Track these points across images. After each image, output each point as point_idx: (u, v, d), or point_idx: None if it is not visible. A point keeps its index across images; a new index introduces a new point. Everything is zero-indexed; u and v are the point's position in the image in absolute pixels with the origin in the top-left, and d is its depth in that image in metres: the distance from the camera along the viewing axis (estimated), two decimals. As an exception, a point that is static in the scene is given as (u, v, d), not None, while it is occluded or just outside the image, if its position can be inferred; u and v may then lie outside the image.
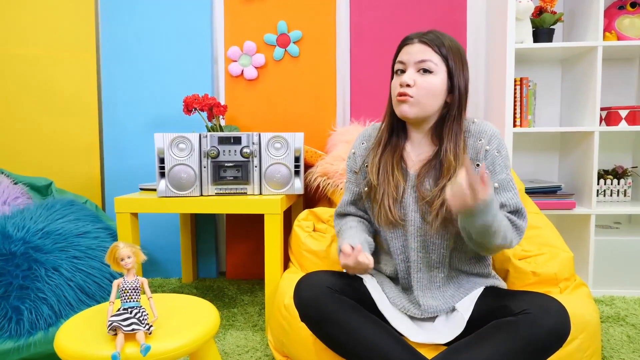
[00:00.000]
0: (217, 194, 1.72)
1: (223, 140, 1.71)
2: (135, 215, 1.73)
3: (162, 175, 1.68)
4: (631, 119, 2.05)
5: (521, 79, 2.10)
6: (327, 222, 1.70)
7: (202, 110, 2.04)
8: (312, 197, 2.07)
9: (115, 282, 0.95)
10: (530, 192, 2.05)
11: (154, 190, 1.80)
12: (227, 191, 1.73)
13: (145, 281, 0.97)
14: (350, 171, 1.37)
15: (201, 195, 1.72)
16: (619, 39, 2.05)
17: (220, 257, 2.46)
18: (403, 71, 1.20)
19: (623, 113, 2.06)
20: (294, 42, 2.29)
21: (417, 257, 1.24)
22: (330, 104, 2.31)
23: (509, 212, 1.18)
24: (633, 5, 2.10)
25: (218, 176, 1.72)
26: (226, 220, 2.37)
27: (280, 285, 1.55)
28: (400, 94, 1.18)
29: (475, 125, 1.23)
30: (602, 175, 2.27)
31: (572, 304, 1.29)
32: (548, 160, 2.39)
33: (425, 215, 1.21)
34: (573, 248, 2.11)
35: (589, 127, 2.02)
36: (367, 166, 1.30)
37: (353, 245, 1.16)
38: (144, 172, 2.32)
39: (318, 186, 1.88)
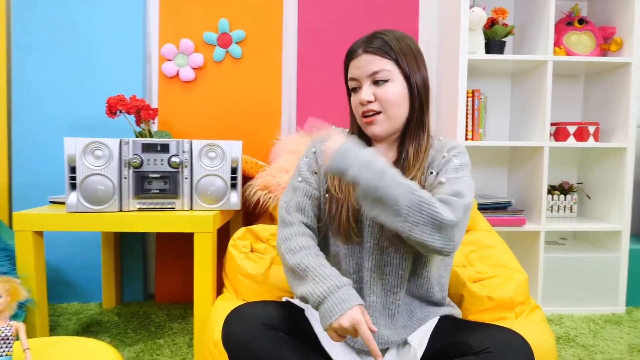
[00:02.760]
0: (140, 210, 1.50)
1: (148, 148, 1.50)
2: (39, 233, 1.47)
3: (73, 187, 1.44)
4: (579, 135, 2.03)
5: (473, 91, 2.03)
6: (267, 242, 1.52)
7: (129, 113, 1.81)
8: (251, 213, 1.89)
9: (-20, 330, 0.72)
10: (481, 208, 1.97)
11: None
12: (151, 206, 1.51)
13: (21, 327, 0.75)
14: (307, 170, 1.17)
15: (120, 210, 1.49)
16: (567, 54, 2.03)
17: (148, 278, 2.21)
18: (358, 87, 1.10)
19: (571, 129, 2.03)
20: (236, 43, 2.11)
21: (372, 278, 1.09)
22: (275, 111, 2.14)
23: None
24: (580, 22, 2.09)
25: (141, 189, 1.50)
26: (156, 236, 2.13)
27: (211, 315, 1.36)
28: (365, 113, 1.09)
29: (441, 142, 1.14)
30: (550, 191, 2.24)
31: (529, 331, 1.19)
32: (497, 175, 2.34)
33: (384, 229, 1.06)
34: (522, 265, 2.05)
35: (539, 142, 1.97)
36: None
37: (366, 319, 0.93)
38: (61, 182, 2.04)
39: (258, 201, 1.70)
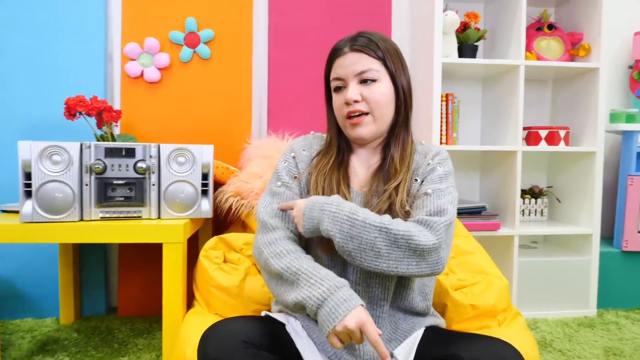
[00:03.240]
0: (103, 219, 1.39)
1: (112, 152, 1.40)
2: (-11, 246, 1.34)
3: (29, 194, 1.32)
4: (550, 139, 2.05)
5: (447, 95, 2.02)
6: (241, 251, 1.44)
7: (89, 115, 1.69)
8: (222, 221, 1.80)
9: None
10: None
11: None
12: (115, 215, 1.40)
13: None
14: (287, 175, 1.10)
15: (81, 220, 1.38)
16: (538, 59, 2.05)
17: (110, 290, 2.08)
18: (343, 87, 1.06)
19: (543, 133, 2.05)
20: (204, 43, 2.02)
21: (357, 291, 1.03)
22: (245, 114, 2.06)
23: (427, 215, 0.97)
24: (550, 27, 2.12)
25: (104, 196, 1.39)
26: (119, 245, 2.01)
27: (182, 331, 1.27)
28: (350, 114, 1.04)
29: (423, 146, 1.13)
30: (520, 194, 2.25)
31: (514, 339, 1.16)
32: (469, 179, 2.34)
33: None
34: (497, 270, 2.05)
35: (512, 147, 1.98)
36: (309, 174, 1.10)
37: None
38: (14, 190, 1.88)
39: (230, 208, 1.62)
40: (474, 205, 2.02)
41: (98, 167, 1.37)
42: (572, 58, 2.11)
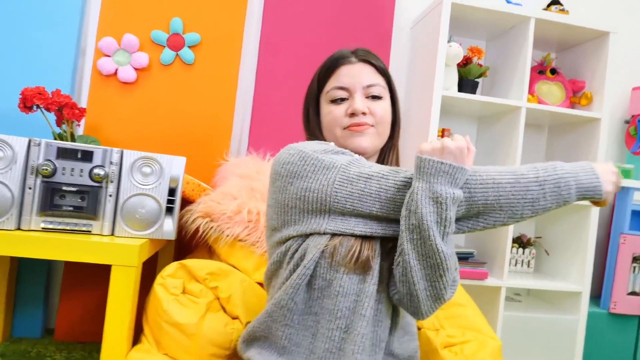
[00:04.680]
0: (45, 230, 1.18)
1: (66, 153, 1.20)
2: None
3: (-44, 193, 1.11)
4: (545, 188, 1.94)
5: (443, 130, 1.91)
6: (204, 282, 1.25)
7: (48, 110, 1.49)
8: (186, 244, 1.61)
9: None
10: (443, 256, 1.81)
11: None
12: (61, 227, 1.20)
13: None
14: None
15: (19, 229, 1.17)
16: (539, 103, 1.97)
17: (49, 310, 1.83)
18: (345, 99, 0.96)
19: (538, 180, 1.94)
20: (189, 46, 1.86)
21: (364, 329, 0.80)
22: (225, 128, 1.89)
23: None
24: (552, 72, 2.05)
25: (50, 204, 1.19)
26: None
27: (123, 373, 1.06)
28: (358, 125, 0.94)
29: None
30: (508, 242, 2.13)
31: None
32: (456, 220, 2.20)
33: (391, 272, 0.85)
34: (480, 322, 1.89)
35: (507, 192, 1.86)
36: None
37: None
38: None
39: (197, 230, 1.42)
40: (462, 250, 1.89)
41: (46, 169, 1.17)
42: (572, 105, 2.03)
